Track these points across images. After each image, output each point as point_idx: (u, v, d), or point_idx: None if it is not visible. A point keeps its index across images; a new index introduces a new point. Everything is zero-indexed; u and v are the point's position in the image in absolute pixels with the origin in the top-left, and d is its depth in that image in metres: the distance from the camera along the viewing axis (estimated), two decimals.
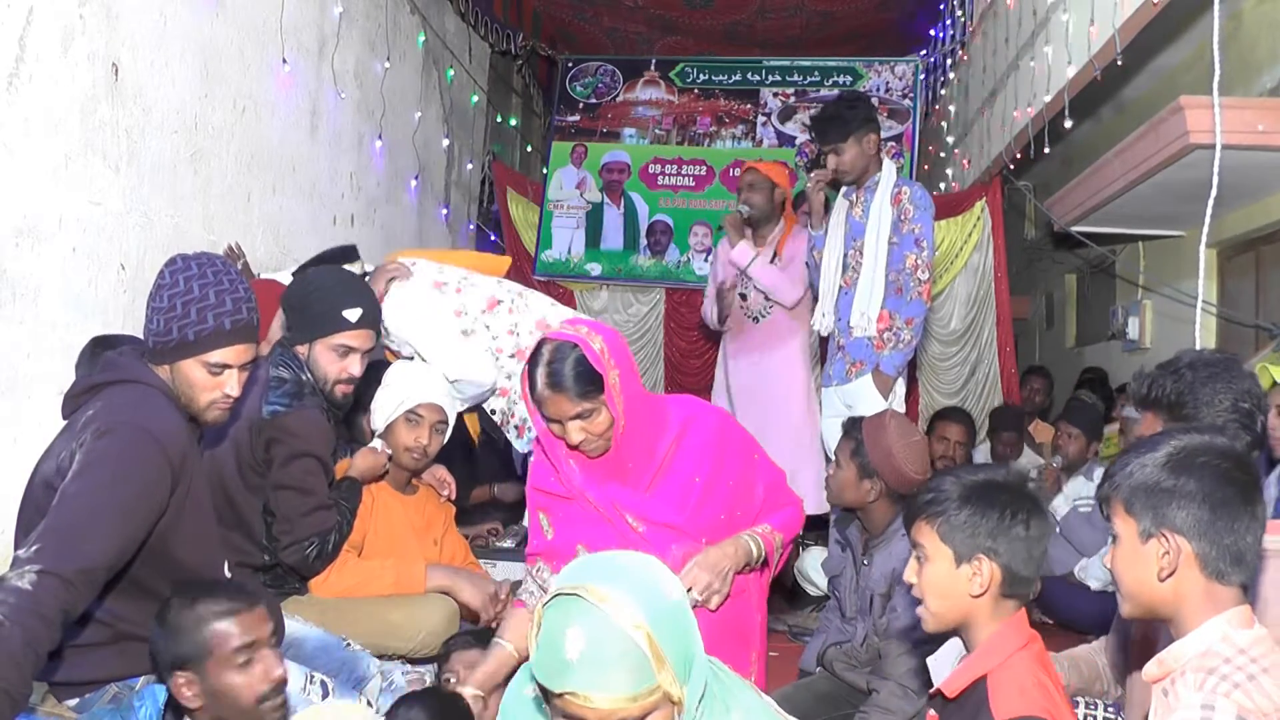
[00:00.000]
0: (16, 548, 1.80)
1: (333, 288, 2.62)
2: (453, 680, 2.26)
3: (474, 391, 3.17)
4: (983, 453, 5.20)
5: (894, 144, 6.18)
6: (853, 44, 6.88)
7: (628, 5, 6.46)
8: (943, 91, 7.04)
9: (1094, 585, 3.91)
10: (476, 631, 2.57)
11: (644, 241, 6.45)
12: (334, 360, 2.57)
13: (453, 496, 3.06)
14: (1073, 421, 4.35)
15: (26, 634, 1.61)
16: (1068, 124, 4.17)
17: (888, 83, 6.44)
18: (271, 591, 2.54)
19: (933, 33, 6.80)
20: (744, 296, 4.22)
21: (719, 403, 4.16)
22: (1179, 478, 1.45)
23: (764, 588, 2.39)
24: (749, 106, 6.58)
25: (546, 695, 1.30)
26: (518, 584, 2.86)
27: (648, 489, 2.19)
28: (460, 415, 3.07)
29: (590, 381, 2.03)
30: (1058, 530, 4.09)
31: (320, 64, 4.41)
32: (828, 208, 3.87)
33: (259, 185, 3.90)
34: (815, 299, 3.85)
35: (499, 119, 7.09)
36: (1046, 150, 4.61)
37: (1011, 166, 5.23)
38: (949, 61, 6.75)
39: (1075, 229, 5.07)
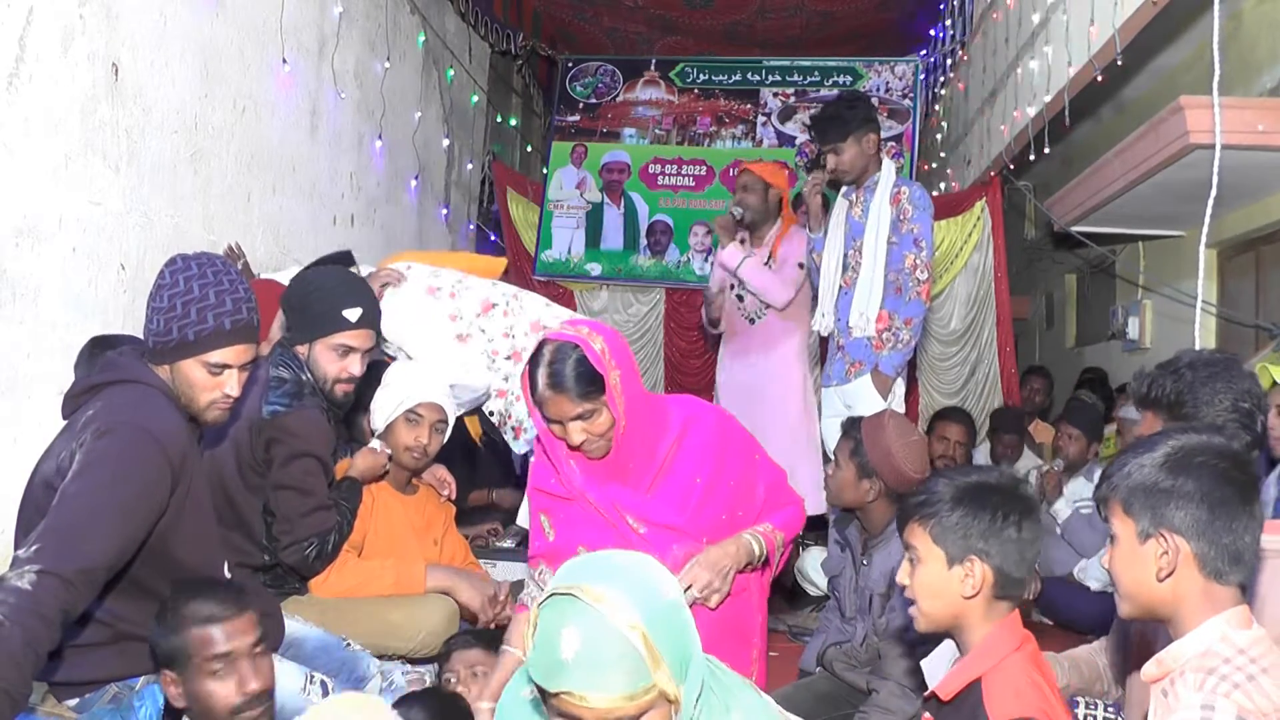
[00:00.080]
0: (16, 548, 1.80)
1: (333, 288, 2.62)
2: (453, 680, 2.26)
3: (469, 396, 3.18)
4: (983, 453, 5.20)
5: (894, 144, 6.18)
6: (853, 44, 6.88)
7: (628, 5, 6.46)
8: (943, 91, 7.05)
9: (1094, 586, 3.92)
10: (478, 631, 2.57)
11: (644, 241, 6.45)
12: (334, 360, 2.57)
13: (453, 496, 3.06)
14: (1073, 422, 4.35)
15: (26, 634, 1.61)
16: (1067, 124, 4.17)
17: (888, 83, 6.44)
18: (271, 591, 2.54)
19: (933, 33, 6.80)
20: (740, 298, 4.22)
21: (721, 403, 4.16)
22: (1177, 478, 1.45)
23: (765, 587, 2.39)
24: (749, 106, 6.58)
25: (543, 695, 1.30)
26: (518, 584, 2.86)
27: (649, 490, 2.19)
28: (460, 417, 3.07)
29: (591, 382, 2.03)
30: (1060, 534, 4.10)
31: (320, 64, 4.41)
32: (826, 209, 3.87)
33: (259, 185, 3.90)
34: (815, 299, 3.85)
35: (499, 119, 7.09)
36: (1046, 150, 4.62)
37: (1011, 166, 5.23)
38: (949, 61, 6.75)
39: (1075, 229, 5.06)
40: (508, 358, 3.22)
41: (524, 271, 6.48)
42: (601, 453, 2.13)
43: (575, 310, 6.33)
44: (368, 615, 2.59)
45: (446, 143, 6.06)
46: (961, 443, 4.50)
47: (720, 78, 6.67)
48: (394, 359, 3.19)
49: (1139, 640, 1.90)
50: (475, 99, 6.59)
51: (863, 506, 2.72)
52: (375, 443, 2.84)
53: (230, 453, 2.49)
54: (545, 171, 6.72)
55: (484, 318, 3.21)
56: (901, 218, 3.53)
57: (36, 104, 2.69)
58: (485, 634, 2.47)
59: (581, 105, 6.75)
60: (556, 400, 2.04)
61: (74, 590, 1.70)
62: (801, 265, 4.00)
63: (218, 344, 1.98)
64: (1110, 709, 2.03)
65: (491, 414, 3.34)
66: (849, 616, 2.80)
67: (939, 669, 1.73)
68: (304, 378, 2.56)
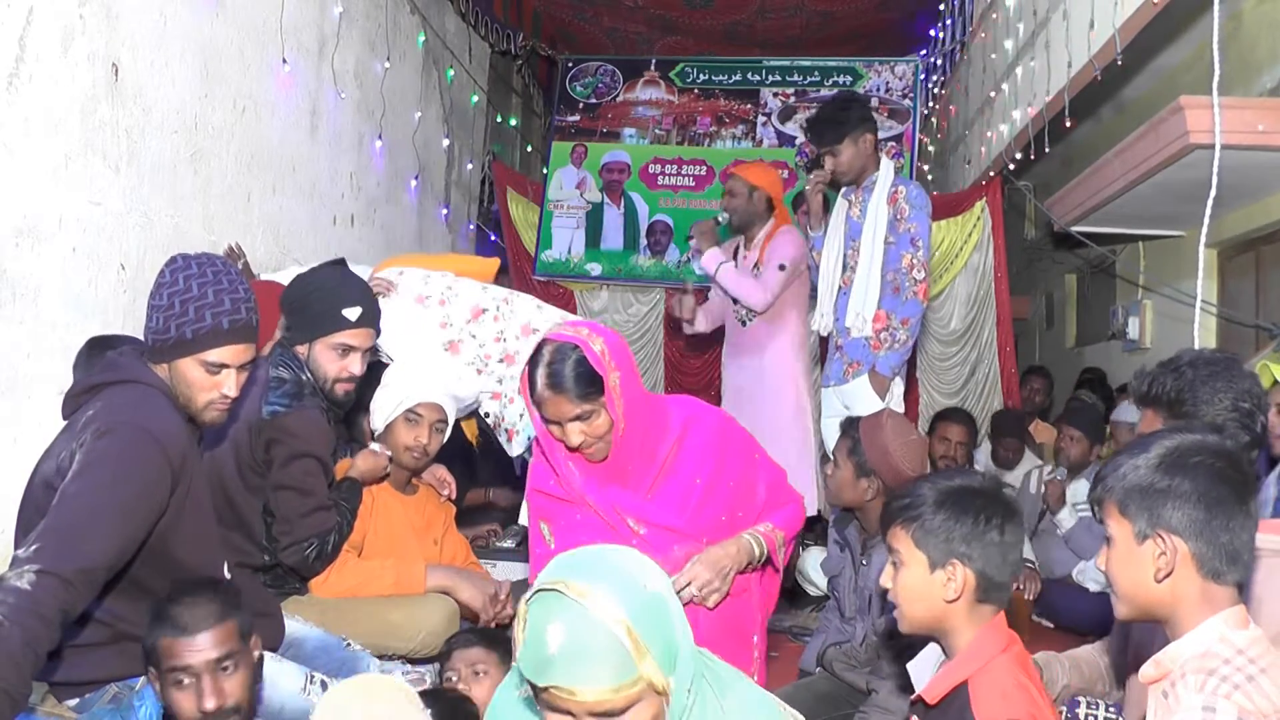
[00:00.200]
0: (16, 548, 1.80)
1: (333, 287, 2.62)
2: (454, 679, 2.26)
3: (460, 405, 3.17)
4: (983, 453, 5.20)
5: (894, 144, 6.18)
6: (853, 44, 6.88)
7: (628, 5, 6.46)
8: (943, 91, 7.04)
9: (1092, 588, 3.92)
10: (479, 630, 2.57)
11: (644, 241, 6.45)
12: (334, 359, 2.57)
13: (453, 496, 3.06)
14: (1074, 424, 4.34)
15: (26, 634, 1.61)
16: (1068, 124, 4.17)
17: (888, 83, 6.44)
18: (271, 591, 2.54)
19: (933, 33, 6.80)
20: (735, 300, 4.21)
21: (724, 404, 4.15)
22: (1173, 478, 1.45)
23: (770, 590, 2.39)
24: (749, 106, 6.58)
25: (535, 691, 1.32)
26: (519, 584, 2.87)
27: (649, 491, 2.18)
28: (456, 421, 3.07)
29: (590, 383, 2.03)
30: (1066, 543, 4.09)
31: (320, 64, 4.41)
32: (827, 208, 3.87)
33: (259, 185, 3.91)
34: (814, 299, 3.85)
35: (499, 119, 7.09)
36: (1046, 150, 4.62)
37: (1011, 166, 5.23)
38: (949, 61, 6.75)
39: (1075, 229, 5.06)
40: (500, 361, 3.22)
41: (524, 271, 6.48)
42: (600, 455, 2.13)
43: (575, 311, 6.34)
44: (368, 615, 2.59)
45: (446, 143, 6.06)
46: (962, 443, 4.49)
47: (720, 78, 6.67)
48: (393, 360, 3.19)
49: (1137, 642, 1.89)
50: (475, 99, 6.60)
51: (861, 506, 2.72)
52: (374, 445, 2.84)
53: (230, 453, 2.49)
54: (545, 171, 6.72)
55: (474, 324, 3.21)
56: (899, 217, 3.53)
57: (36, 104, 2.69)
58: (486, 633, 2.47)
59: (581, 105, 6.75)
60: (555, 400, 2.04)
61: (73, 590, 1.70)
62: (783, 267, 3.94)
63: (215, 342, 1.98)
64: (1111, 709, 2.03)
65: (487, 415, 3.34)
66: (849, 616, 2.80)
67: (925, 672, 1.73)
68: (304, 378, 2.55)
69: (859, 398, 3.50)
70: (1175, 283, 5.06)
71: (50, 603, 1.66)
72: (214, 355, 1.98)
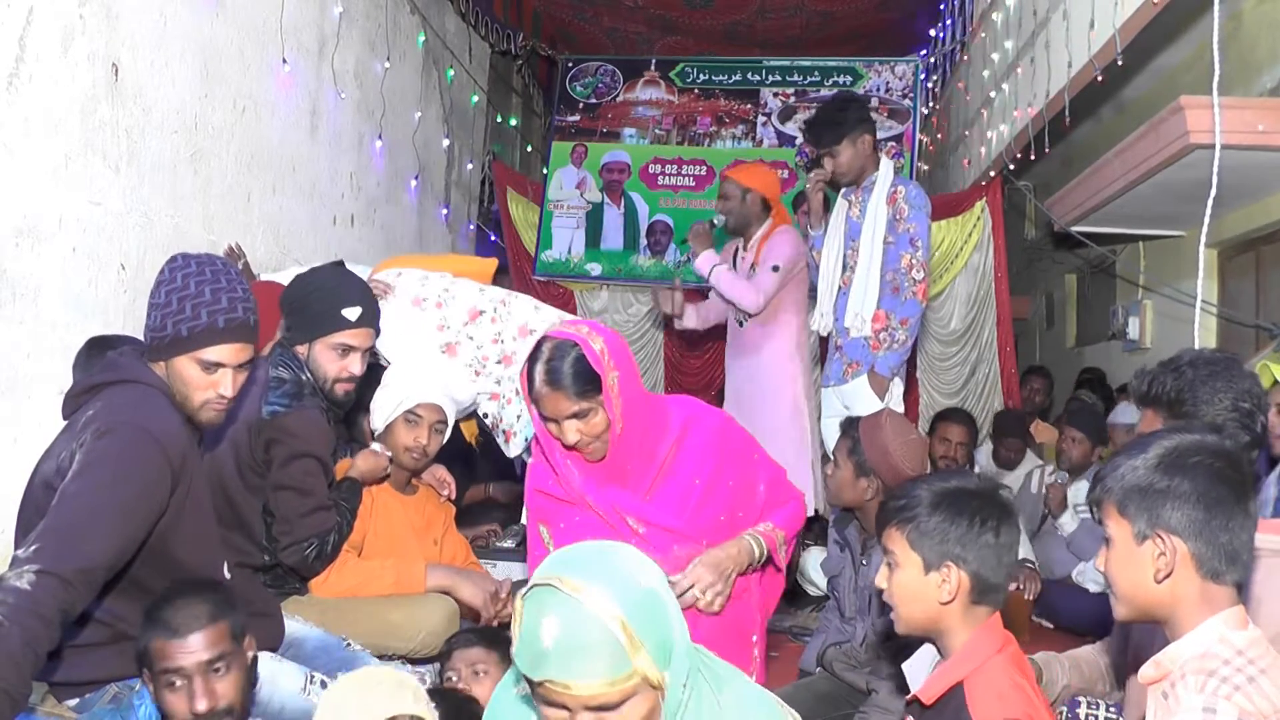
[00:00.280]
0: (16, 548, 1.80)
1: (333, 287, 2.62)
2: (455, 679, 2.26)
3: (458, 407, 3.17)
4: (984, 454, 5.20)
5: (894, 144, 6.18)
6: (853, 44, 6.88)
7: (628, 5, 6.46)
8: (943, 91, 7.04)
9: (1092, 589, 3.92)
10: (479, 629, 2.57)
11: (644, 241, 6.45)
12: (334, 359, 2.57)
13: (452, 496, 3.06)
14: (1075, 425, 4.34)
15: (25, 634, 1.61)
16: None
17: (888, 83, 6.44)
18: (271, 591, 2.54)
19: (933, 33, 6.80)
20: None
21: (726, 405, 4.15)
22: (1172, 478, 1.45)
23: (773, 590, 2.39)
24: (749, 106, 6.58)
25: (531, 686, 1.33)
26: (520, 583, 2.86)
27: (648, 491, 2.19)
28: (456, 422, 3.07)
29: (588, 381, 2.03)
30: (1067, 546, 4.09)
31: (320, 64, 4.41)
32: (828, 207, 3.86)
33: (259, 185, 3.91)
34: (814, 298, 3.84)
35: (499, 119, 7.09)
36: (1046, 150, 4.61)
37: (1011, 166, 5.23)
38: (949, 61, 6.75)
39: (1075, 229, 5.06)
40: (498, 362, 3.21)
41: (524, 271, 6.48)
42: (598, 455, 2.13)
43: (575, 311, 6.34)
44: (368, 615, 2.59)
45: (446, 143, 6.06)
46: (963, 443, 4.49)
47: (720, 78, 6.67)
48: (390, 362, 3.19)
49: (1137, 642, 1.89)
50: (475, 99, 6.60)
51: (861, 506, 2.72)
52: (376, 445, 2.84)
53: (230, 453, 2.49)
54: (545, 171, 6.72)
55: (471, 325, 3.20)
56: (898, 217, 3.53)
57: (36, 104, 2.69)
58: (487, 632, 2.47)
59: (581, 105, 6.75)
60: (553, 397, 2.04)
61: (73, 590, 1.71)
62: (776, 268, 3.93)
63: (211, 341, 1.98)
64: (1112, 709, 2.03)
65: (485, 416, 3.34)
66: (849, 616, 2.80)
67: (920, 672, 1.73)
68: (304, 378, 2.55)
69: (858, 398, 3.50)
70: (1175, 283, 5.06)
71: (50, 603, 1.66)
72: (210, 354, 1.98)
